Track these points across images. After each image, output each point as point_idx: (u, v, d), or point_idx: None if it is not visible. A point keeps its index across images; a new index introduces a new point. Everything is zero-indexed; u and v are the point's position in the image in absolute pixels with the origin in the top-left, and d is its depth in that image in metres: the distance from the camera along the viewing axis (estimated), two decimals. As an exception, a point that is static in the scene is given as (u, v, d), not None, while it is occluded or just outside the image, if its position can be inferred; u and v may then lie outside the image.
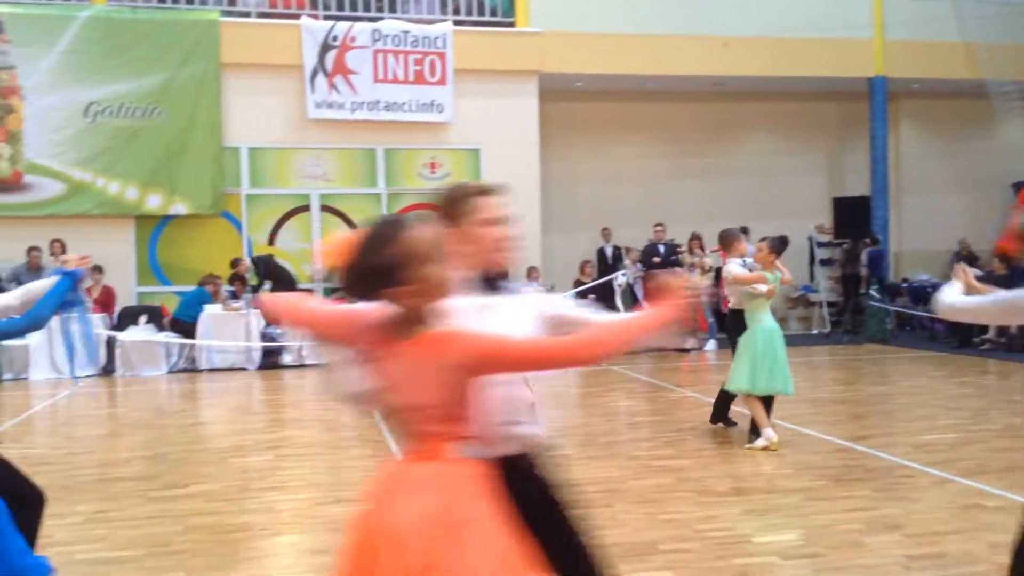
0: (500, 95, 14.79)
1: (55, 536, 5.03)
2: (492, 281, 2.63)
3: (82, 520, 5.36)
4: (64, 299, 3.49)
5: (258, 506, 5.61)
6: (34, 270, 12.96)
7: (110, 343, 12.54)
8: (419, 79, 14.31)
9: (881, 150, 16.22)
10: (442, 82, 14.39)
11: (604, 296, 14.23)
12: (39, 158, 13.29)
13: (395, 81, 14.25)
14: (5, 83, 13.15)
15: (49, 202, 13.36)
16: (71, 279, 3.53)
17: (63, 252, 13.03)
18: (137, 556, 4.67)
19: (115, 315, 13.09)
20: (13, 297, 3.66)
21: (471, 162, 14.86)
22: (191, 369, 12.82)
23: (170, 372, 12.60)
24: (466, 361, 2.13)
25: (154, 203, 13.72)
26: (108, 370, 12.48)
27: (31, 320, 3.43)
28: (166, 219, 13.88)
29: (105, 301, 13.05)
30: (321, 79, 14.02)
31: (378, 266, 2.12)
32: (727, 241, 7.52)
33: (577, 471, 6.32)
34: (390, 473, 2.25)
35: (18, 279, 12.93)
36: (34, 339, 12.18)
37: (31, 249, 12.88)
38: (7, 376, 12.00)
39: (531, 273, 14.33)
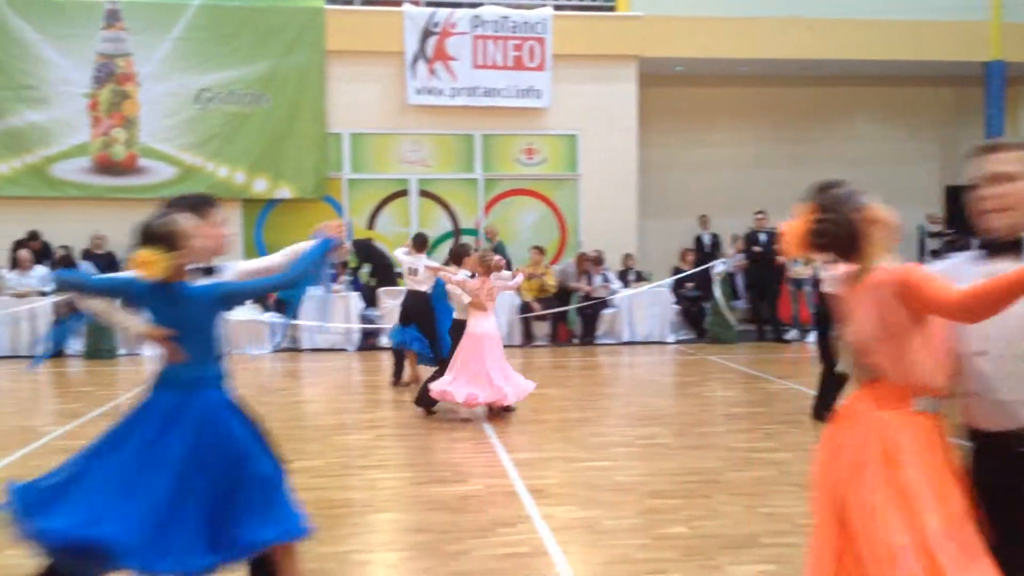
0: (598, 80, 14.70)
1: (169, 505, 5.25)
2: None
3: (194, 490, 5.58)
4: (319, 262, 3.60)
5: (360, 483, 5.75)
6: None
7: (217, 322, 12.96)
8: (518, 64, 14.34)
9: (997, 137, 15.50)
10: (540, 67, 14.38)
11: (702, 285, 14.03)
12: (153, 142, 13.84)
13: (494, 67, 14.31)
14: (121, 70, 13.71)
15: (162, 185, 13.88)
16: (327, 244, 3.64)
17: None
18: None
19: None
20: (281, 255, 3.92)
21: (568, 148, 14.83)
22: (293, 349, 13.18)
23: (274, 351, 12.98)
24: (895, 288, 2.47)
25: (260, 187, 14.13)
26: (215, 348, 12.90)
27: (284, 278, 3.58)
28: (271, 203, 14.29)
29: (213, 281, 13.51)
30: (421, 65, 14.18)
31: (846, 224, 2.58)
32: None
33: (673, 461, 6.28)
34: (848, 406, 2.65)
35: (133, 258, 13.53)
36: (148, 316, 12.71)
37: (143, 228, 13.42)
38: (122, 351, 12.56)
39: (627, 261, 14.23)
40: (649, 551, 4.45)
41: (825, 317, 7.46)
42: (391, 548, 4.53)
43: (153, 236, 3.24)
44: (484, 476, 5.90)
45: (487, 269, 7.93)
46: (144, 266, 3.19)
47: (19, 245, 13.09)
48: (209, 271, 3.62)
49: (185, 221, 3.30)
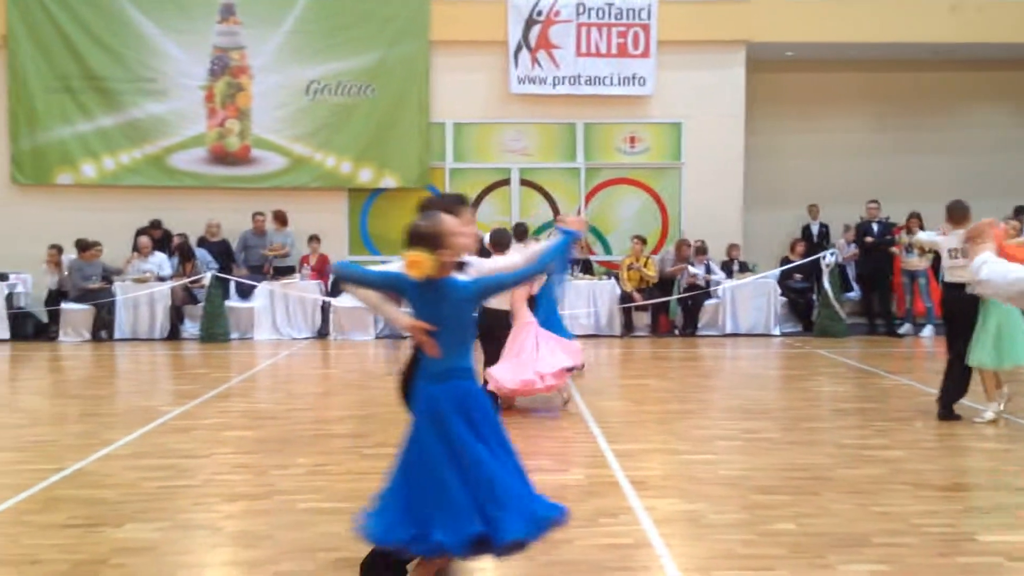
0: (705, 67, 14.43)
1: (279, 485, 5.42)
2: None
3: (303, 472, 5.73)
4: (565, 255, 3.75)
5: (462, 469, 5.78)
6: (259, 234, 13.97)
7: (325, 308, 13.32)
8: (622, 52, 14.19)
9: None
10: (645, 55, 14.20)
11: (810, 276, 13.65)
12: (265, 133, 14.26)
13: (597, 55, 14.20)
14: (236, 63, 14.17)
15: (273, 175, 14.32)
16: (570, 237, 3.77)
17: (284, 223, 13.95)
18: (353, 508, 4.90)
19: (329, 282, 13.86)
20: (519, 255, 4.20)
21: (672, 136, 14.61)
22: (397, 336, 13.38)
23: (377, 337, 13.23)
24: None
25: (366, 176, 14.40)
26: (322, 333, 13.26)
27: (532, 269, 3.75)
28: (376, 192, 14.54)
29: (320, 269, 13.84)
30: (524, 54, 14.19)
31: None
32: (957, 215, 7.09)
33: (779, 456, 6.12)
34: None
35: (245, 242, 14.00)
36: (258, 302, 13.16)
37: (256, 214, 13.88)
38: (234, 335, 13.01)
39: (731, 251, 13.95)
40: (755, 547, 4.35)
41: (954, 310, 7.19)
42: (493, 534, 4.54)
43: (421, 236, 3.40)
44: (585, 466, 5.87)
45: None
46: (414, 266, 3.35)
47: (140, 233, 13.68)
48: (460, 266, 3.76)
49: (449, 221, 3.47)
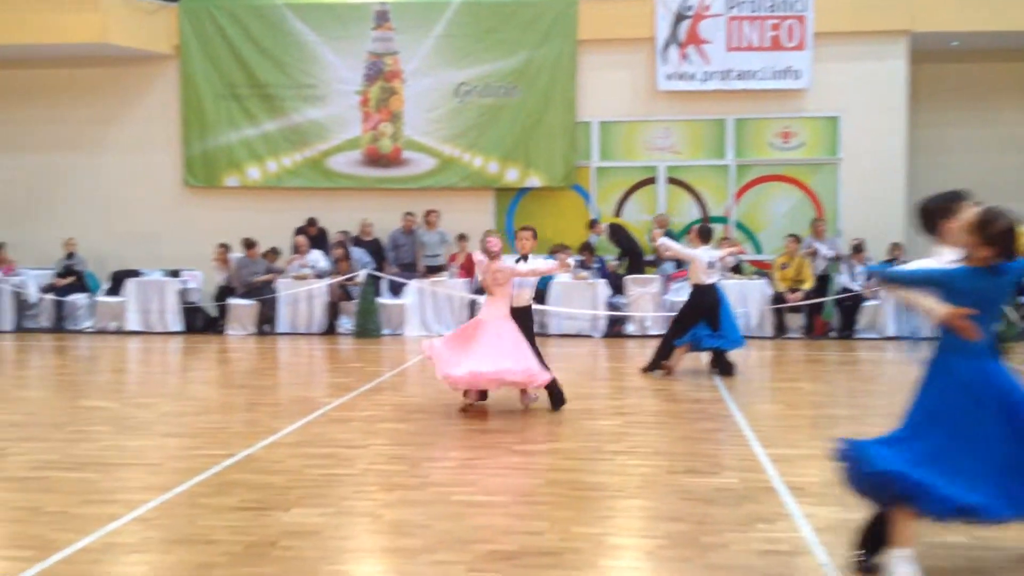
0: (864, 58, 13.82)
1: (433, 477, 5.55)
2: None
3: (455, 465, 5.85)
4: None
5: (611, 468, 5.77)
6: (407, 233, 14.34)
7: (472, 305, 13.54)
8: (775, 45, 13.78)
9: None
10: (800, 47, 13.73)
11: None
12: (416, 135, 14.64)
13: (749, 48, 13.84)
14: (389, 67, 14.61)
15: (423, 176, 14.68)
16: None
17: (435, 224, 14.25)
18: (504, 502, 5.00)
19: (476, 280, 14.09)
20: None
21: (828, 131, 14.08)
22: (541, 334, 13.46)
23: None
24: None
25: (512, 176, 14.56)
26: (469, 331, 13.47)
27: None
28: (522, 191, 14.68)
29: (468, 268, 14.09)
30: (673, 50, 13.99)
31: None
32: None
33: None
34: None
35: (395, 241, 14.41)
36: (409, 299, 13.52)
37: (406, 214, 14.27)
38: (386, 331, 13.41)
39: (894, 251, 13.31)
40: (924, 560, 4.13)
41: None
42: (646, 535, 4.51)
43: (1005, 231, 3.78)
44: (739, 469, 5.73)
45: (486, 253, 7.56)
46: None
47: (298, 232, 14.30)
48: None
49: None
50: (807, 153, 14.15)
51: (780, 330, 13.02)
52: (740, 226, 14.31)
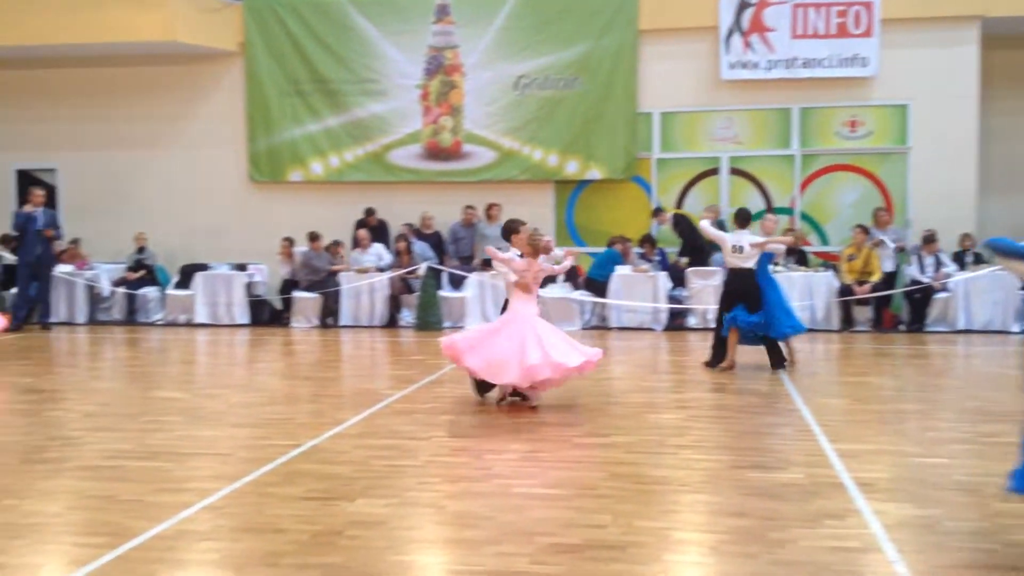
0: (933, 44, 13.44)
1: (495, 469, 5.57)
2: None
3: (517, 457, 5.86)
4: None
5: (675, 462, 5.72)
6: (467, 226, 14.40)
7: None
8: (841, 32, 13.48)
9: None
10: (867, 33, 13.42)
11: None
12: (476, 129, 14.68)
13: (815, 36, 13.57)
14: (449, 61, 14.66)
15: (483, 169, 14.71)
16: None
17: (496, 218, 14.27)
18: (567, 495, 5.00)
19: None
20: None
21: (896, 119, 13.73)
22: (602, 326, 13.44)
23: (583, 328, 13.31)
24: None
25: (572, 168, 14.51)
26: (529, 323, 13.49)
27: None
28: (582, 183, 14.62)
29: (528, 260, 14.10)
30: (736, 39, 13.78)
31: None
32: None
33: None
34: None
35: (455, 234, 14.48)
36: (469, 292, 13.58)
37: (466, 207, 14.32)
38: (447, 324, 13.49)
39: (964, 241, 12.96)
40: (1000, 557, 4.02)
41: None
42: (710, 530, 4.46)
43: None
44: (806, 465, 5.63)
45: (535, 250, 7.45)
46: None
47: (358, 225, 14.46)
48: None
49: None
50: (875, 142, 13.83)
51: (847, 323, 12.78)
52: (805, 217, 14.06)
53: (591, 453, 5.98)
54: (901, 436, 6.46)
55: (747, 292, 9.20)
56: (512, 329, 7.34)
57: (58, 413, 7.48)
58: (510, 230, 7.82)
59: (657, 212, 13.94)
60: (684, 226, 13.68)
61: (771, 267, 9.71)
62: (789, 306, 9.70)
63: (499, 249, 7.74)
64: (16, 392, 8.81)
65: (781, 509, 4.72)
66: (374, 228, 14.46)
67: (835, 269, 13.11)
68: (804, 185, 14.06)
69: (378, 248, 14.12)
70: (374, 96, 14.80)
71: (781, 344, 9.45)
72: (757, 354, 9.54)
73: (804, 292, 12.71)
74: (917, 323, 12.58)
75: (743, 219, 9.45)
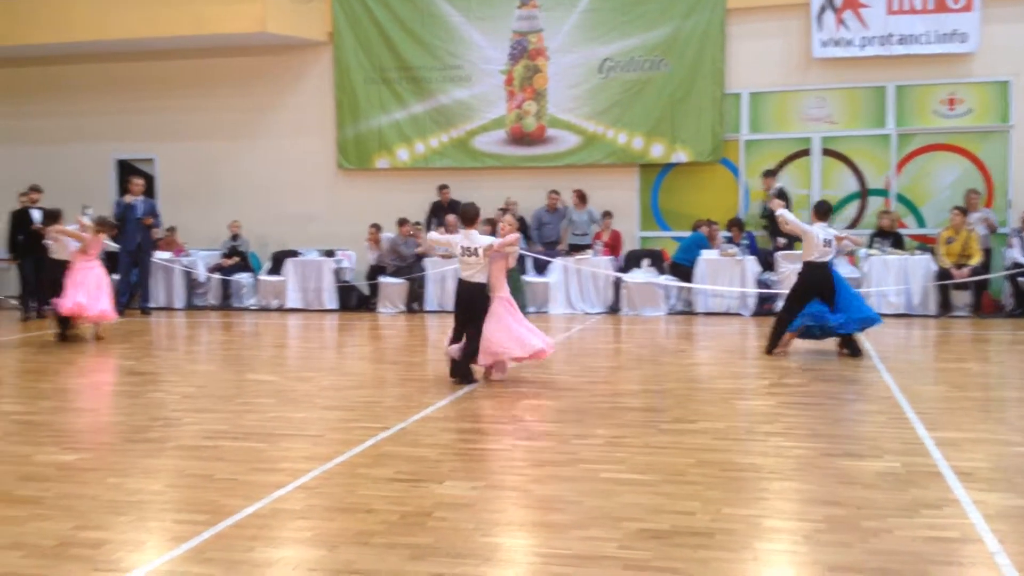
0: (1039, 17, 12.85)
1: (581, 454, 5.56)
2: None
3: (602, 443, 5.84)
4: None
5: (764, 449, 5.63)
6: (552, 211, 14.38)
7: (616, 283, 13.48)
8: (940, 7, 12.98)
9: None
10: (967, 8, 12.89)
11: None
12: (560, 113, 14.63)
13: (912, 11, 13.10)
14: (533, 45, 14.64)
15: (567, 153, 14.67)
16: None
17: (584, 201, 14.21)
18: (654, 481, 4.96)
19: (621, 257, 14.01)
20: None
21: (998, 96, 13.18)
22: (688, 312, 13.28)
23: (669, 313, 13.18)
24: None
25: (657, 152, 14.34)
26: (614, 308, 13.44)
27: None
28: (667, 167, 14.44)
29: (613, 244, 14.02)
30: (829, 16, 13.40)
31: None
32: None
33: None
34: None
35: (540, 219, 14.48)
36: (553, 277, 13.58)
37: (551, 192, 14.30)
38: (531, 309, 13.52)
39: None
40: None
41: None
42: (803, 518, 4.37)
43: None
44: (902, 453, 5.47)
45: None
46: None
47: (434, 206, 14.56)
48: None
49: None
50: (975, 120, 13.29)
51: (945, 308, 12.35)
52: (901, 198, 13.63)
53: (678, 439, 5.92)
54: (1002, 424, 6.22)
55: (824, 286, 8.96)
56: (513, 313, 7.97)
57: (159, 394, 7.76)
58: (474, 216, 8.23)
59: (770, 174, 13.48)
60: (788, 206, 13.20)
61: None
62: (859, 299, 9.35)
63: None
64: (119, 374, 9.19)
65: (876, 498, 4.59)
66: (447, 204, 14.51)
67: (932, 252, 12.67)
68: (900, 166, 13.62)
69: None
70: (458, 82, 14.89)
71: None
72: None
73: (900, 276, 12.33)
74: (1020, 308, 12.07)
75: (824, 212, 9.19)
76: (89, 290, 10.92)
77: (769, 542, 4.08)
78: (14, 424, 6.62)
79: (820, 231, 9.03)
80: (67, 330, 11.15)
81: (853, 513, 4.36)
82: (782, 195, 13.24)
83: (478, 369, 7.95)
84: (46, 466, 5.40)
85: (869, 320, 9.02)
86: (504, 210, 14.05)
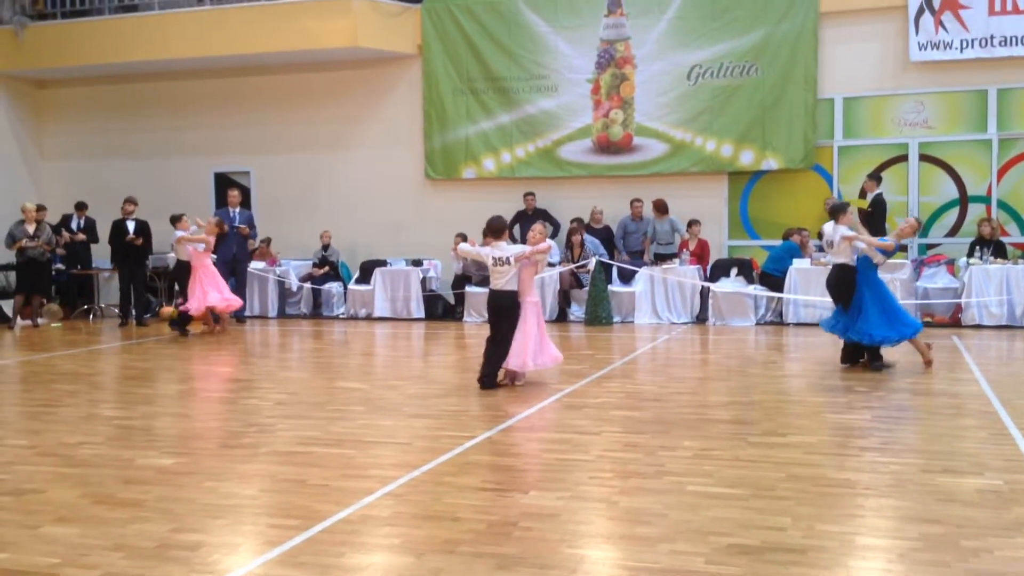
0: None
1: (668, 466, 5.50)
2: None
3: (690, 455, 5.77)
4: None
5: (859, 464, 5.47)
6: (637, 220, 14.30)
7: (703, 293, 13.30)
8: (1045, 6, 12.47)
9: None
10: (1075, 6, 12.35)
11: None
12: (647, 121, 14.54)
13: (1015, 12, 12.62)
14: (621, 54, 14.59)
15: (654, 161, 14.56)
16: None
17: (665, 212, 14.09)
18: (743, 495, 4.87)
19: (708, 267, 13.82)
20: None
21: (1110, 97, 12.57)
22: (778, 322, 13.01)
23: (758, 324, 12.94)
24: None
25: (747, 159, 14.12)
26: (701, 318, 13.26)
27: None
28: (757, 174, 14.20)
29: (700, 254, 13.84)
30: (927, 18, 12.99)
31: None
32: None
33: None
34: None
35: (624, 228, 14.41)
36: (639, 287, 13.48)
37: (634, 201, 14.23)
38: (616, 319, 13.45)
39: None
40: None
41: None
42: (899, 536, 4.24)
43: None
44: (1005, 470, 5.25)
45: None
46: None
47: (517, 215, 14.63)
48: None
49: None
50: (1082, 124, 12.70)
51: (1046, 319, 11.81)
52: (1003, 205, 13.11)
53: (768, 452, 5.80)
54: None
55: (840, 288, 8.86)
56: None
57: (253, 401, 7.98)
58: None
59: (874, 177, 13.11)
60: (878, 211, 12.87)
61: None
62: (896, 313, 8.92)
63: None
64: (216, 381, 9.49)
65: (977, 516, 4.42)
66: (535, 212, 14.57)
67: (1038, 261, 12.14)
68: (1001, 172, 13.09)
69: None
70: (545, 92, 14.93)
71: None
72: (941, 352, 8.97)
73: (1002, 286, 11.85)
74: None
75: (831, 211, 9.18)
76: (218, 286, 12.85)
77: (863, 559, 3.97)
78: (116, 428, 6.90)
79: (829, 230, 9.03)
80: (187, 327, 12.89)
81: (952, 532, 4.21)
82: (878, 203, 12.89)
83: (500, 374, 8.28)
84: (146, 469, 5.61)
85: (866, 335, 8.71)
86: (576, 223, 14.09)
